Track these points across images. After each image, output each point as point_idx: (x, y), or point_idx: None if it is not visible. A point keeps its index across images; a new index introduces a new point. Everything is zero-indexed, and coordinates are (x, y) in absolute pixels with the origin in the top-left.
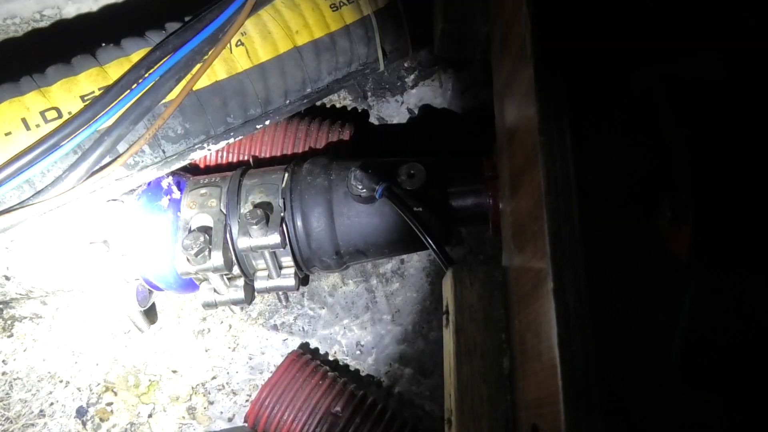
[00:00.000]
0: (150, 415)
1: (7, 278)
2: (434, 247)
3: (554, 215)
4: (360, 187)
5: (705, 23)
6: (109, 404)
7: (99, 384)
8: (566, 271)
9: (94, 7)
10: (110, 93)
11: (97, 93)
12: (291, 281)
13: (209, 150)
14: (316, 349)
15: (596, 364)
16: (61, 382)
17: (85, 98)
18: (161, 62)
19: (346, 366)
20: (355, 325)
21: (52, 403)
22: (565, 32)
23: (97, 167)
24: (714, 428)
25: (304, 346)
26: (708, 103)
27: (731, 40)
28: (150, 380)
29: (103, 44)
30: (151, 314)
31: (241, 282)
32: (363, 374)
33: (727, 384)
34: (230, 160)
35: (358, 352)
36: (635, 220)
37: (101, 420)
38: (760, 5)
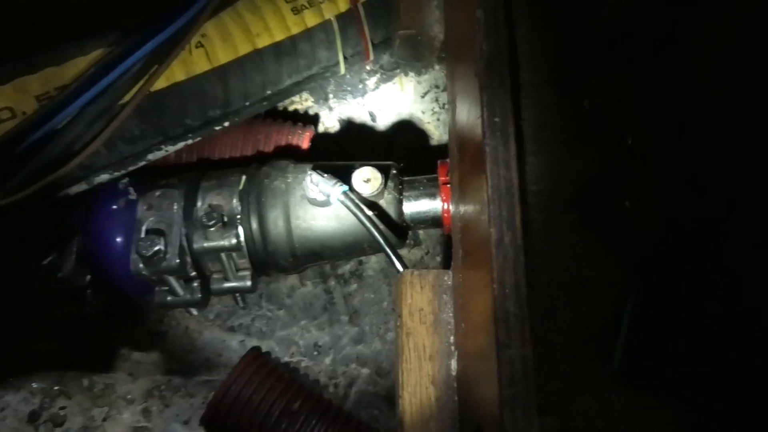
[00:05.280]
0: (104, 419)
1: None
2: (388, 251)
3: (497, 223)
4: (316, 191)
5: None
6: (63, 408)
7: (52, 388)
8: (507, 277)
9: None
10: (66, 93)
11: (53, 93)
12: (247, 283)
13: (167, 151)
14: (274, 350)
15: (534, 367)
16: (12, 386)
17: (41, 98)
18: (120, 63)
19: (304, 367)
20: (313, 326)
21: (3, 408)
22: (513, 43)
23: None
24: (650, 427)
25: (261, 348)
26: (652, 110)
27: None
28: (105, 383)
29: (62, 42)
30: (106, 316)
31: (197, 284)
32: (320, 375)
33: (668, 387)
34: (188, 161)
35: (315, 352)
36: (576, 227)
37: (54, 425)
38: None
